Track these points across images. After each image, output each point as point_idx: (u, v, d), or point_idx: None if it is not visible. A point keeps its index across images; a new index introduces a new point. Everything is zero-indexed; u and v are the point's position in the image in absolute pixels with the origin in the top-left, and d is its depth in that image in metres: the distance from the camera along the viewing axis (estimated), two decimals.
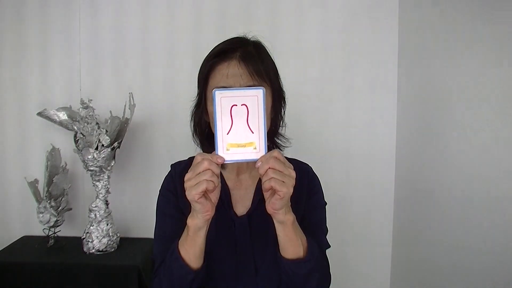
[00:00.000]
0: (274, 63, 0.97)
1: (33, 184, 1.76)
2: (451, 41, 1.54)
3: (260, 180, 0.85)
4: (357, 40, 1.87)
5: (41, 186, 1.78)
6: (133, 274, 1.58)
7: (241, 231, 0.96)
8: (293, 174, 0.78)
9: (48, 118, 1.77)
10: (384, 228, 1.93)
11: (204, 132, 1.01)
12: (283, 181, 0.76)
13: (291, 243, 0.86)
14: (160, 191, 1.02)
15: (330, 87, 1.89)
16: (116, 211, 1.84)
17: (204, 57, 0.95)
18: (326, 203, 1.06)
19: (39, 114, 1.78)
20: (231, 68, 0.89)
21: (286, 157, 0.81)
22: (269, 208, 0.81)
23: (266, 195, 0.81)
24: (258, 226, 0.96)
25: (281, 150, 1.03)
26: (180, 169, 1.01)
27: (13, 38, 1.89)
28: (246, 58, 0.89)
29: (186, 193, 0.77)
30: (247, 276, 0.95)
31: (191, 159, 1.04)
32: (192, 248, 0.85)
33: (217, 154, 0.78)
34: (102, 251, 1.70)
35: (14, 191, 1.93)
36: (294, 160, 1.01)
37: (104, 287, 1.58)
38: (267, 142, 0.79)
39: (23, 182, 1.79)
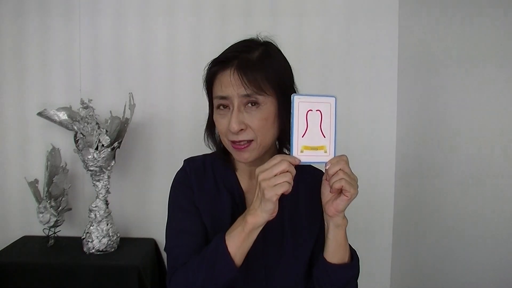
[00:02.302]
0: (284, 68, 0.94)
1: (33, 184, 1.76)
2: (452, 41, 1.54)
3: None
4: (357, 38, 1.88)
5: (41, 186, 1.78)
6: (133, 274, 1.58)
7: None
8: (357, 179, 0.82)
9: (48, 118, 1.77)
10: (384, 227, 1.94)
11: (214, 135, 1.00)
12: (351, 183, 0.80)
13: (341, 247, 0.88)
14: (173, 185, 1.00)
15: (330, 86, 1.89)
16: (116, 211, 1.84)
17: (205, 59, 0.94)
18: None
19: (39, 114, 1.78)
20: (225, 77, 0.88)
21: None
22: (332, 209, 0.84)
23: (330, 197, 0.84)
24: (272, 231, 0.94)
25: None
26: (195, 166, 1.00)
27: (13, 38, 1.89)
28: (243, 67, 0.87)
29: (265, 192, 0.77)
30: (257, 282, 0.94)
31: (206, 156, 1.03)
32: (245, 245, 0.85)
33: (293, 156, 0.80)
34: (102, 251, 1.70)
35: (14, 191, 1.93)
36: (310, 166, 0.98)
37: (104, 287, 1.58)
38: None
39: (23, 182, 1.79)
